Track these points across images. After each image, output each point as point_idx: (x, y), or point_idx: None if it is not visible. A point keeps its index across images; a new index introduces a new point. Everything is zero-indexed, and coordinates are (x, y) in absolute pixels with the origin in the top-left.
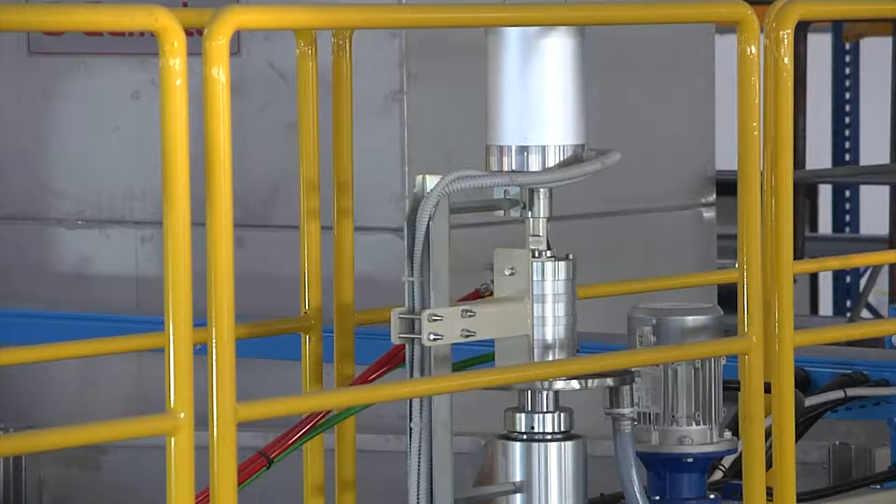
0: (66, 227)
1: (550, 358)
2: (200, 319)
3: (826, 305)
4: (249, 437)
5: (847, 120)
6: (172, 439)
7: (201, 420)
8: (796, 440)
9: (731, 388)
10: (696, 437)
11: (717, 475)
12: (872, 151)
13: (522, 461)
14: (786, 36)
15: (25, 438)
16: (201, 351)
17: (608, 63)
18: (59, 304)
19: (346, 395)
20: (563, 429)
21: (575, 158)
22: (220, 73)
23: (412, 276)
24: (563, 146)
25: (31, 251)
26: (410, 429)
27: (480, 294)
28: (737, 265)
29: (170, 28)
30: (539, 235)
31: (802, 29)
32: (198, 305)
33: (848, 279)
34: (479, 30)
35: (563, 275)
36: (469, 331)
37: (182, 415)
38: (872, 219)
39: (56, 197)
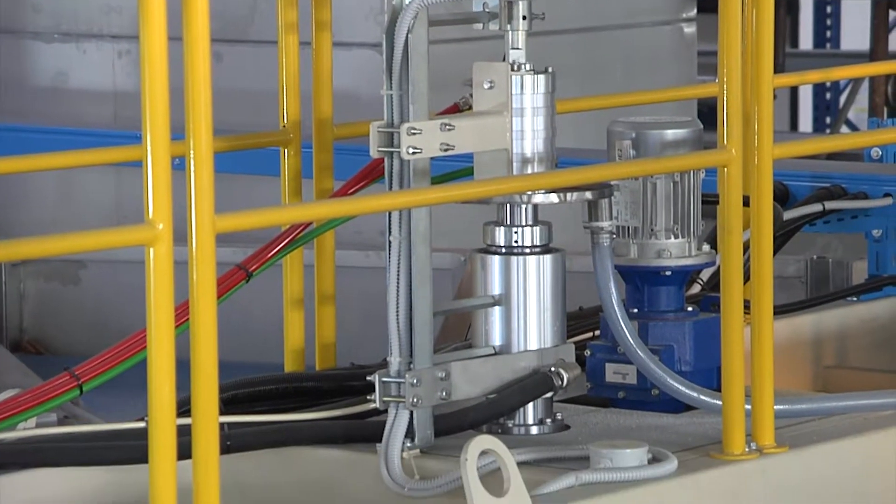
0: (43, 41)
1: (529, 171)
2: (179, 134)
3: (806, 122)
4: (229, 253)
5: None
6: (151, 250)
7: (181, 236)
8: (774, 253)
9: (710, 202)
10: (674, 250)
11: (695, 288)
12: None
13: (501, 274)
14: None
15: (4, 247)
16: (180, 166)
17: None
18: (35, 117)
19: (325, 208)
20: (541, 242)
21: None
22: None
23: (391, 89)
24: None
25: (8, 65)
26: (389, 242)
27: (459, 108)
28: (717, 80)
29: None
30: (518, 49)
31: None
32: (176, 123)
33: (828, 96)
34: None
35: (542, 88)
36: (448, 144)
37: (160, 226)
38: (854, 34)
39: (32, 10)
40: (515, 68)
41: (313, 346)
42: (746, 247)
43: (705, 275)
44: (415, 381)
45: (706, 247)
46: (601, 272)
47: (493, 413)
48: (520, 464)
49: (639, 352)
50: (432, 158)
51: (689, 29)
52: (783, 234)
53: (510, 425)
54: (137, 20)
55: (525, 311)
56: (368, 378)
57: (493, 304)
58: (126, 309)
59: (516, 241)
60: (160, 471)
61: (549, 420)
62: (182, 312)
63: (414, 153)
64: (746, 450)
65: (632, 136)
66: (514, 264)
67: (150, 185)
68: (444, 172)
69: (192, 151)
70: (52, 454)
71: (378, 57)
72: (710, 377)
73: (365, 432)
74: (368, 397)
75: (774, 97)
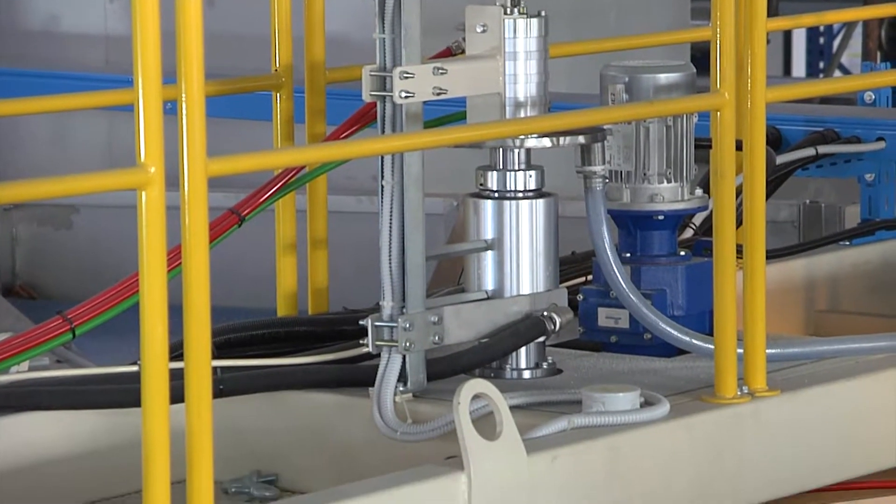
0: None
1: (522, 115)
2: (171, 78)
3: (799, 67)
4: (221, 198)
5: None
6: (143, 193)
7: (173, 181)
8: (767, 198)
9: (703, 146)
10: (667, 195)
11: (688, 232)
12: None
13: (494, 219)
14: None
15: None
16: (171, 110)
17: None
18: (27, 61)
19: (318, 152)
20: (534, 187)
21: None
22: None
23: (383, 33)
24: None
25: None
26: (382, 187)
27: (452, 52)
28: (710, 24)
29: None
30: None
31: None
32: (168, 67)
33: (821, 40)
34: None
35: (535, 32)
36: (440, 88)
37: (152, 169)
38: None
39: None
40: (508, 12)
41: (306, 290)
42: (739, 191)
43: (698, 219)
44: (407, 325)
45: (699, 191)
46: (594, 217)
47: (485, 357)
48: (512, 408)
49: (631, 296)
50: (425, 103)
51: None
52: (776, 179)
53: (503, 369)
54: None
55: (518, 256)
56: (361, 322)
57: (486, 249)
58: (118, 253)
59: (509, 186)
60: (153, 414)
61: (541, 364)
62: (174, 256)
63: (406, 97)
64: (738, 393)
65: (625, 80)
66: (506, 209)
67: (142, 128)
68: (437, 117)
69: (183, 95)
70: (45, 397)
71: (370, 0)
72: (703, 321)
73: (357, 376)
74: (361, 342)
75: (768, 41)
